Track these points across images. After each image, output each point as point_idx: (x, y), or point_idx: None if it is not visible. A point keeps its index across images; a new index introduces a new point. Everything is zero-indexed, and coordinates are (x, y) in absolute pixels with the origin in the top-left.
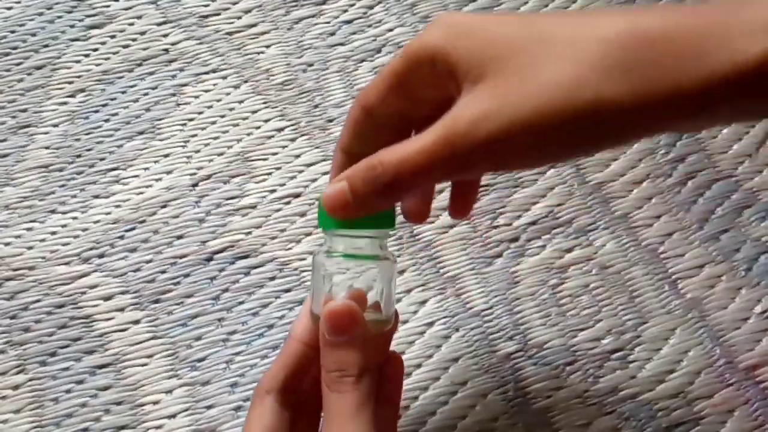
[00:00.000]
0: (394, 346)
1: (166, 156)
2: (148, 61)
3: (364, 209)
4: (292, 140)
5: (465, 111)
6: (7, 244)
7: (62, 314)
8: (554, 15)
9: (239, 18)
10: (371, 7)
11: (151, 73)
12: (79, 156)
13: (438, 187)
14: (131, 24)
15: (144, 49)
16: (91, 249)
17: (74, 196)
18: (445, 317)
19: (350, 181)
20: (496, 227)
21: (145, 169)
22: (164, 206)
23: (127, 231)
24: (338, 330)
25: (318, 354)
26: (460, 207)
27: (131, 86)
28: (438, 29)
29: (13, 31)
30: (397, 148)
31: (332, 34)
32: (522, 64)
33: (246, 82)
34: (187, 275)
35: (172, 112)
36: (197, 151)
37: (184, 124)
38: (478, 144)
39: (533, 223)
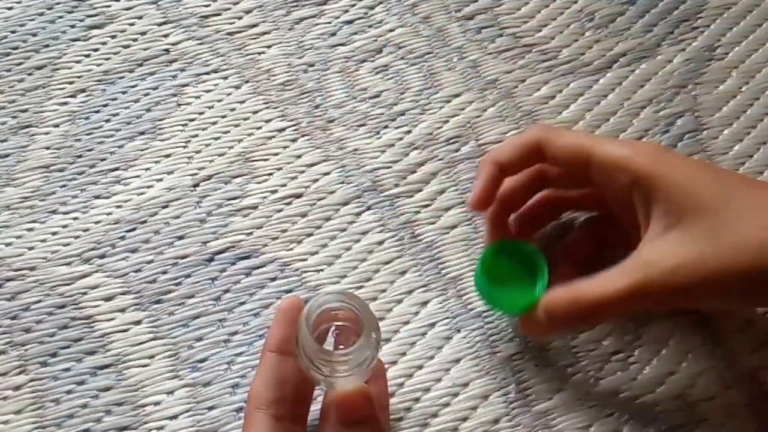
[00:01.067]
0: (395, 347)
1: (167, 156)
2: (149, 62)
3: (556, 331)
4: (293, 140)
5: (661, 257)
6: (8, 244)
7: (63, 315)
8: (742, 179)
9: (240, 18)
10: (372, 8)
11: (151, 74)
12: (80, 156)
13: (438, 186)
14: (132, 24)
15: (145, 49)
16: (92, 249)
17: (75, 197)
18: (446, 318)
19: (549, 309)
20: None
21: (146, 169)
22: (165, 207)
23: (128, 231)
24: (354, 415)
25: (293, 361)
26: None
27: (132, 86)
28: (650, 156)
29: (13, 31)
30: (594, 286)
31: (333, 34)
32: (716, 222)
33: (247, 82)
34: (188, 276)
35: (173, 112)
36: (198, 152)
37: (185, 125)
38: (674, 291)
39: None
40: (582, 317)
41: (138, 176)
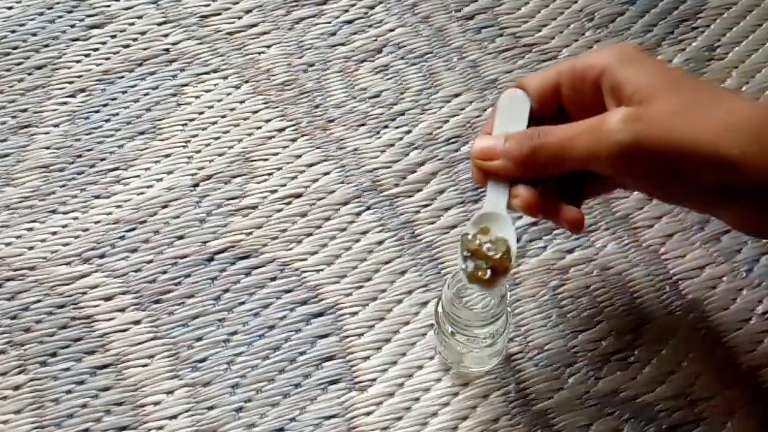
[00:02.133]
0: (395, 347)
1: (166, 156)
2: (149, 61)
3: (508, 171)
4: (293, 140)
5: (646, 110)
6: (7, 244)
7: (63, 314)
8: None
9: (240, 18)
10: (372, 7)
11: (151, 73)
12: (79, 156)
13: (438, 186)
14: (132, 24)
15: (144, 49)
16: (91, 249)
17: (75, 197)
18: None
19: (506, 140)
20: None
21: (146, 169)
22: (165, 206)
23: (127, 231)
24: None
25: None
26: (575, 222)
27: (132, 86)
28: (610, 53)
29: (13, 31)
30: (562, 127)
31: (333, 34)
32: (677, 106)
33: (247, 82)
34: (187, 275)
35: (173, 112)
36: (198, 152)
37: (185, 125)
38: (655, 141)
39: (534, 223)
40: (536, 149)
41: (138, 176)
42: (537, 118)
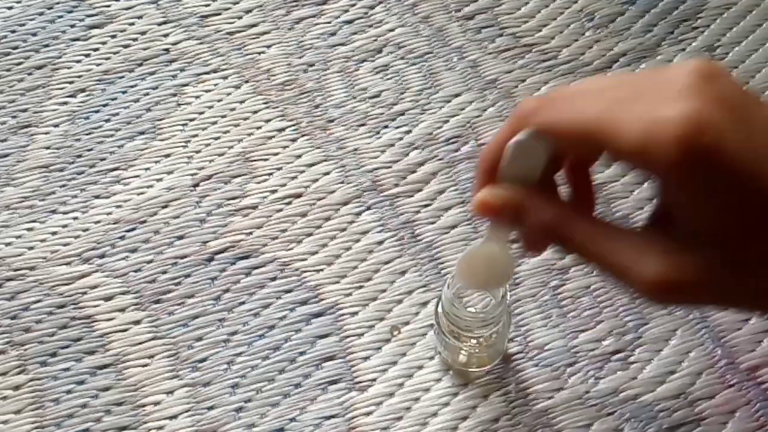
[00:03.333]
0: (395, 347)
1: (167, 156)
2: (149, 61)
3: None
4: (293, 140)
5: (685, 269)
6: (7, 244)
7: (63, 314)
8: None
9: (240, 18)
10: (372, 7)
11: (151, 73)
12: (79, 156)
13: (438, 186)
14: (132, 24)
15: (144, 48)
16: (91, 249)
17: (75, 197)
18: None
19: (522, 215)
20: None
21: (146, 169)
22: (165, 206)
23: (127, 231)
24: None
25: None
26: (584, 196)
27: (132, 86)
28: (678, 142)
29: (13, 31)
30: (589, 237)
31: (333, 34)
32: (753, 244)
33: (247, 82)
34: (187, 275)
35: (173, 112)
36: (198, 152)
37: (185, 124)
38: (690, 300)
39: None
40: (546, 237)
41: (138, 176)
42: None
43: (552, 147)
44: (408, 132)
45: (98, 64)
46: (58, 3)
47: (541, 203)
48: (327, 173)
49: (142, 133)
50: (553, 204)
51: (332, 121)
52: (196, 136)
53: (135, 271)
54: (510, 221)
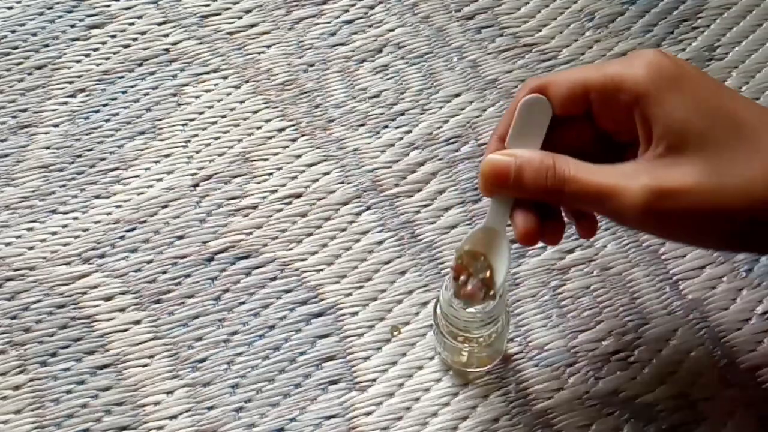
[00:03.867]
0: (395, 348)
1: (166, 156)
2: (149, 61)
3: (518, 194)
4: (293, 140)
5: (671, 178)
6: (7, 244)
7: (63, 314)
8: (747, 107)
9: (240, 18)
10: (372, 7)
11: (151, 73)
12: (79, 156)
13: (438, 186)
14: (132, 24)
15: (144, 48)
16: (91, 249)
17: (75, 196)
18: None
19: (520, 167)
20: None
21: (146, 169)
22: (165, 206)
23: (127, 231)
24: None
25: None
26: (588, 228)
27: (132, 86)
28: (648, 72)
29: (13, 31)
30: (583, 170)
31: (333, 34)
32: (708, 168)
33: (247, 82)
34: (188, 275)
35: (173, 112)
36: (198, 152)
37: (185, 124)
38: (677, 213)
39: None
40: (553, 191)
41: (138, 176)
42: (559, 119)
43: (551, 107)
44: (408, 132)
45: (98, 64)
46: (58, 3)
47: (540, 153)
48: (327, 173)
49: (142, 133)
50: (550, 152)
51: (332, 121)
52: (196, 136)
53: (135, 271)
54: (513, 181)
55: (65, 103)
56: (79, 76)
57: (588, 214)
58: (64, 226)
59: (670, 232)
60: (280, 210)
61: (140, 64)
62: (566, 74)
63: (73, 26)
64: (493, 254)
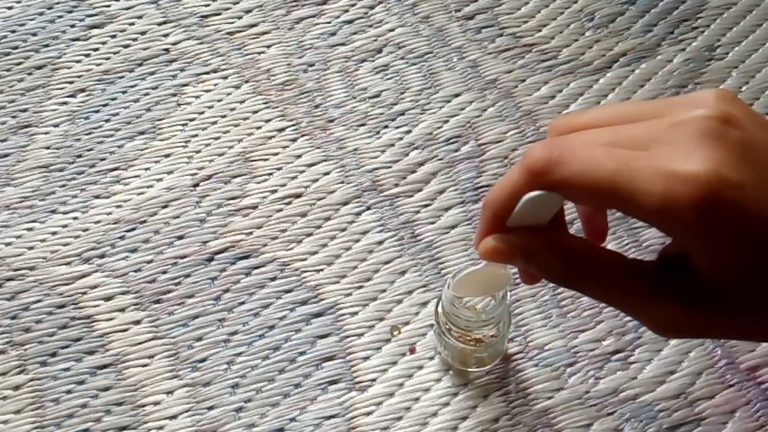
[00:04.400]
0: (395, 348)
1: (166, 156)
2: (149, 61)
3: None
4: (293, 140)
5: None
6: (7, 244)
7: (63, 314)
8: None
9: (240, 18)
10: (372, 7)
11: (151, 73)
12: (79, 156)
13: (438, 186)
14: (132, 24)
15: (144, 48)
16: (91, 249)
17: (75, 197)
18: None
19: (532, 257)
20: None
21: (146, 169)
22: (165, 206)
23: (127, 231)
24: None
25: None
26: (597, 233)
27: (132, 86)
28: (692, 207)
29: (13, 31)
30: (610, 266)
31: (333, 34)
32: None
33: (247, 82)
34: (187, 275)
35: (173, 112)
36: (198, 152)
37: (185, 124)
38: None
39: None
40: (562, 279)
41: (138, 176)
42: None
43: (563, 200)
44: (408, 132)
45: (98, 64)
46: (58, 3)
47: (552, 247)
48: (327, 173)
49: (142, 133)
50: (563, 247)
51: (332, 121)
52: (196, 136)
53: (135, 271)
54: (520, 265)
55: (65, 103)
56: (79, 76)
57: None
58: (64, 226)
59: None
60: (280, 210)
61: (140, 64)
62: (590, 177)
63: (73, 26)
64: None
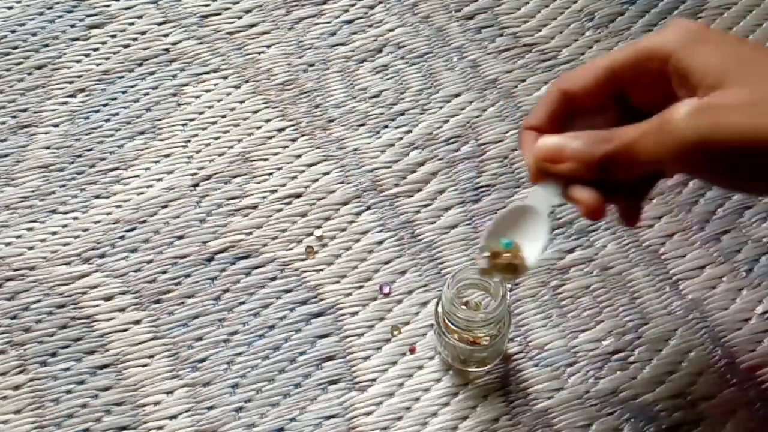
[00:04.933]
0: (395, 347)
1: (166, 156)
2: (149, 61)
3: (573, 169)
4: (293, 140)
5: (717, 99)
6: (7, 244)
7: (63, 314)
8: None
9: (240, 18)
10: (372, 7)
11: (151, 73)
12: (79, 156)
13: (438, 186)
14: (132, 24)
15: (144, 48)
16: (91, 249)
17: (75, 196)
18: None
19: (570, 143)
20: None
21: (146, 169)
22: (165, 206)
23: (127, 231)
24: None
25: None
26: (631, 215)
27: (132, 86)
28: (674, 33)
29: (13, 31)
30: (620, 129)
31: (333, 34)
32: (750, 95)
33: (247, 82)
34: (187, 275)
35: (173, 112)
36: (198, 151)
37: (185, 124)
38: (725, 129)
39: None
40: (608, 155)
41: (138, 176)
42: (587, 112)
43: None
44: (408, 132)
45: (98, 64)
46: (58, 3)
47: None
48: (327, 173)
49: (142, 133)
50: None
51: (332, 121)
52: (196, 136)
53: (135, 271)
54: (569, 155)
55: (65, 103)
56: (79, 76)
57: (633, 200)
58: (64, 226)
59: (718, 168)
60: (280, 210)
61: (140, 64)
62: (590, 65)
63: (73, 26)
64: (526, 233)
